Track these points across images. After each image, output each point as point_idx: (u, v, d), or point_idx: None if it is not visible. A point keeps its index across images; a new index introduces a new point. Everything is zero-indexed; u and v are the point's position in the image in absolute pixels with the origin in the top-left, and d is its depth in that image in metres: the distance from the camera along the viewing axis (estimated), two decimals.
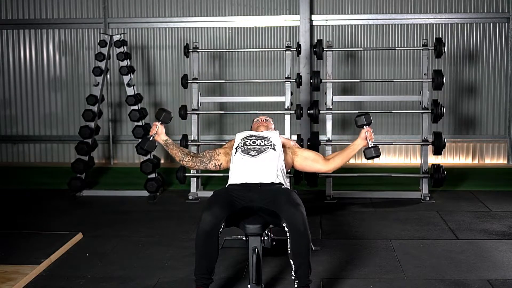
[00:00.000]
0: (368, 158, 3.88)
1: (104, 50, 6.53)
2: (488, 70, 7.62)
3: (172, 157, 7.77)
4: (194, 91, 6.34)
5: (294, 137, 6.13)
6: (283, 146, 4.01)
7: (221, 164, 4.06)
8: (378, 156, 3.86)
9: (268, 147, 3.86)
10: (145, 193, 6.23)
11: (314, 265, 3.50)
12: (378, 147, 3.86)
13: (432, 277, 3.88)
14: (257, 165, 3.77)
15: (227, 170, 3.98)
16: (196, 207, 5.80)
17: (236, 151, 3.90)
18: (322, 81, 6.23)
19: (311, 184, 6.05)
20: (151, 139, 3.95)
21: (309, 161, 4.05)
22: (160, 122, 3.94)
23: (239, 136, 4.04)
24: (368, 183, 6.54)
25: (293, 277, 3.39)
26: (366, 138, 3.85)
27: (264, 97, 7.22)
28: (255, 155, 3.81)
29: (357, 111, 6.94)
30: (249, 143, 3.90)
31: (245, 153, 3.83)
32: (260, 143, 3.89)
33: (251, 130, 4.22)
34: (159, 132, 3.95)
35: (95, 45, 7.74)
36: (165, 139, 3.97)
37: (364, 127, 3.86)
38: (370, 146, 3.85)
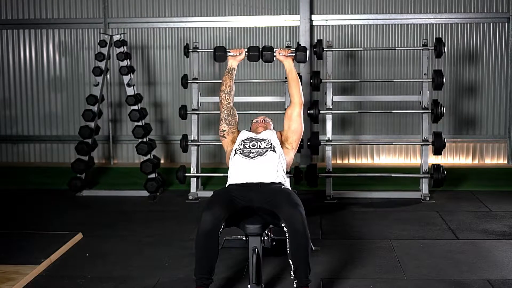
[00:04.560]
0: (299, 60, 4.17)
1: (104, 50, 6.53)
2: (488, 70, 7.62)
3: (172, 157, 7.91)
4: (194, 91, 6.34)
5: None
6: (280, 142, 4.00)
7: (224, 131, 4.13)
8: (305, 51, 4.15)
9: (267, 150, 3.84)
10: (145, 193, 6.23)
11: (314, 265, 3.50)
12: (296, 48, 4.17)
13: (432, 277, 3.88)
14: (256, 167, 3.76)
15: (226, 170, 3.97)
16: (196, 207, 5.80)
17: (235, 153, 3.88)
18: (322, 81, 6.23)
19: (311, 184, 6.05)
20: (228, 54, 4.20)
21: (288, 120, 4.08)
22: (246, 55, 4.19)
23: (240, 137, 4.03)
24: (368, 183, 6.53)
25: (292, 277, 3.39)
26: (283, 55, 4.16)
27: (264, 97, 7.22)
28: (254, 157, 3.80)
29: (357, 111, 6.98)
30: (249, 145, 3.88)
31: (244, 156, 3.82)
32: (259, 146, 3.87)
33: (250, 130, 4.21)
34: (237, 59, 4.20)
35: (95, 45, 7.73)
36: (235, 66, 4.20)
37: (275, 55, 4.19)
38: (291, 54, 4.15)
